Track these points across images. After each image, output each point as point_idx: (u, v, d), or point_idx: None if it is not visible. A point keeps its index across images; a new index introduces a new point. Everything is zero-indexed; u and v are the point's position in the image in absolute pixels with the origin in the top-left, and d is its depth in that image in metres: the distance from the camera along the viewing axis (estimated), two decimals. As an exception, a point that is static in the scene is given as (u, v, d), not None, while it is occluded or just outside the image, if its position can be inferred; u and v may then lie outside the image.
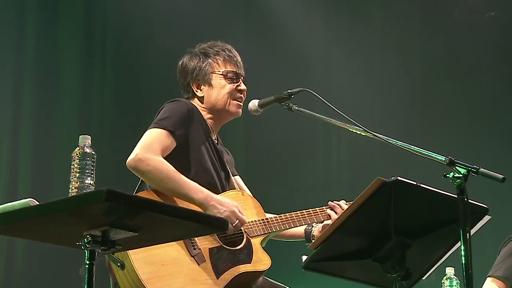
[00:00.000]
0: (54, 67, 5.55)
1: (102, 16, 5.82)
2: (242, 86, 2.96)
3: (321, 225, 2.97)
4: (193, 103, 2.94)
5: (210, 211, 2.68)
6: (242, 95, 2.96)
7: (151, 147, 2.70)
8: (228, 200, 2.76)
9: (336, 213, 2.92)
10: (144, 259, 2.57)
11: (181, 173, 2.73)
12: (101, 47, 5.81)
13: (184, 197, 2.69)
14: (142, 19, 5.78)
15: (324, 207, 2.97)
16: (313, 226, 2.98)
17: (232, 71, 2.96)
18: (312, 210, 2.95)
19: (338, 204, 2.95)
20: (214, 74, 2.94)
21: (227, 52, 2.98)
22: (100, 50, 5.81)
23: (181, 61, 3.02)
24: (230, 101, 2.93)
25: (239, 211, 2.75)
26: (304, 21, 6.15)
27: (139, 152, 2.68)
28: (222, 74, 2.94)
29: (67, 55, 5.62)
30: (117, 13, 5.81)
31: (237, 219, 2.73)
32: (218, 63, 2.96)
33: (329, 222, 2.92)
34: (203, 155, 2.84)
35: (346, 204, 2.94)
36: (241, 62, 3.00)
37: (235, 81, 2.95)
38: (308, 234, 3.00)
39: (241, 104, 2.97)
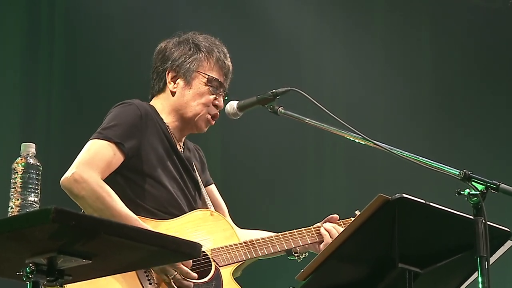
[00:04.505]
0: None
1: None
2: (220, 103, 2.95)
3: None
4: (152, 104, 2.93)
5: None
6: (217, 112, 2.96)
7: (91, 164, 2.68)
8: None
9: (330, 235, 2.93)
10: None
11: (133, 193, 2.72)
12: (48, 33, 5.77)
13: None
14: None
15: (311, 226, 2.97)
16: None
17: (219, 80, 2.95)
18: (297, 231, 2.95)
19: (330, 222, 2.95)
20: (198, 74, 2.93)
21: (222, 56, 2.97)
22: (46, 38, 5.75)
23: (165, 44, 3.00)
24: (202, 114, 2.93)
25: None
26: (294, 10, 6.16)
27: (75, 170, 2.67)
28: (207, 79, 2.93)
29: (7, 43, 5.57)
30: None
31: (175, 271, 2.67)
32: (208, 64, 2.95)
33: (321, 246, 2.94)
34: (161, 170, 2.82)
35: (342, 226, 2.94)
36: (230, 74, 3.00)
37: (216, 92, 2.95)
38: None
39: (212, 123, 2.96)
